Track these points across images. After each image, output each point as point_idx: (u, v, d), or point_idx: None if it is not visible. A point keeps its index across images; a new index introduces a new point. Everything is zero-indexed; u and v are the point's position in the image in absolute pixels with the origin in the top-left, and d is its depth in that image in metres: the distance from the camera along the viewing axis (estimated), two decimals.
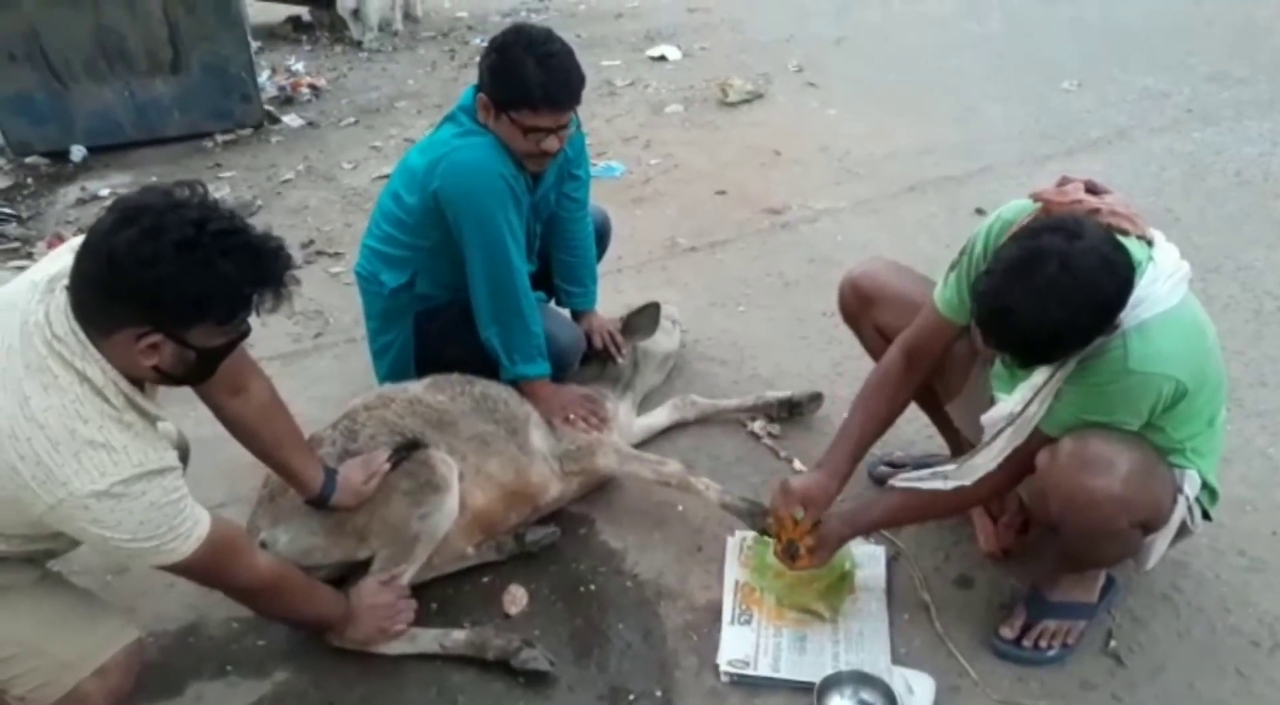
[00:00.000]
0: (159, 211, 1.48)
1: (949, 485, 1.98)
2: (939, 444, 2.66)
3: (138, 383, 1.63)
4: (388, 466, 2.18)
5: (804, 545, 2.07)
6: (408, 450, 2.23)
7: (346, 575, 2.20)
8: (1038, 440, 1.86)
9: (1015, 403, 1.88)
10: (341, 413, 2.38)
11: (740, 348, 3.24)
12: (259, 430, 2.04)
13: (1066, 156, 4.57)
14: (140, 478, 1.56)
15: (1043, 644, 2.03)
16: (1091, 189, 1.89)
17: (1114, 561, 1.99)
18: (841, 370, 3.06)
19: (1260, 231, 3.76)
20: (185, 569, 1.73)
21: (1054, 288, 1.58)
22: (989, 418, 1.94)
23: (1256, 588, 2.18)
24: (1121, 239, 1.73)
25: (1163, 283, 1.73)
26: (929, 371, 2.16)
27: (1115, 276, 1.62)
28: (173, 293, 1.49)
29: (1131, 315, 1.70)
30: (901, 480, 2.10)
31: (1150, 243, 1.80)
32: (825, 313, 3.36)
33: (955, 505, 2.05)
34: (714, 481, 2.39)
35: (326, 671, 2.10)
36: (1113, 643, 2.06)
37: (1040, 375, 1.83)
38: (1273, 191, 4.08)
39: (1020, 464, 1.90)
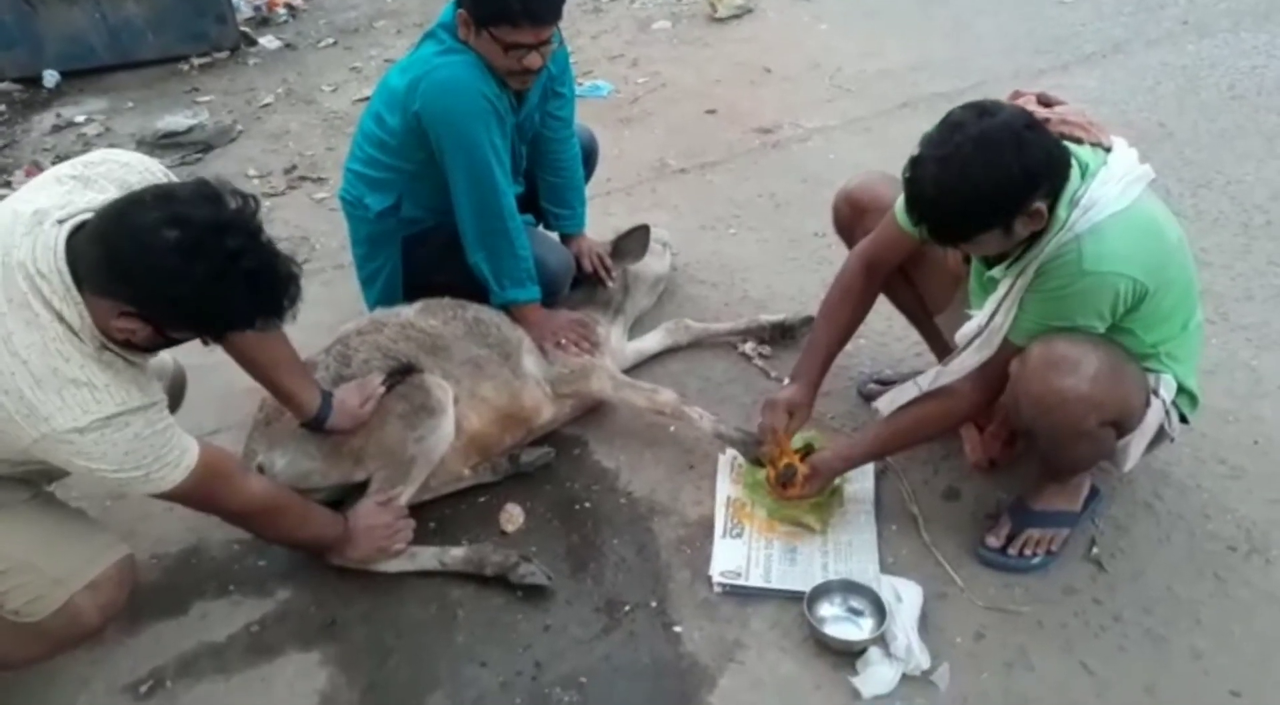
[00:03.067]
0: (203, 229, 1.46)
1: (923, 387, 2.02)
2: (927, 361, 2.68)
3: None
4: (383, 390, 2.20)
5: (800, 471, 2.11)
6: (402, 375, 2.25)
7: (344, 498, 2.23)
8: (1008, 351, 1.89)
9: (983, 315, 1.91)
10: (334, 338, 2.38)
11: (731, 270, 3.24)
12: (256, 353, 2.04)
13: (1061, 70, 4.51)
14: (122, 414, 1.58)
15: (1027, 552, 2.08)
16: (1045, 101, 1.90)
17: (1089, 463, 2.03)
18: None
19: (1251, 146, 3.74)
20: (178, 496, 1.76)
21: (958, 159, 1.64)
22: (962, 333, 1.98)
23: (1235, 495, 2.22)
24: (1073, 146, 1.76)
25: (1115, 184, 1.75)
26: (887, 279, 2.24)
27: (1024, 153, 1.64)
28: (183, 307, 1.52)
29: (1084, 219, 1.73)
30: (881, 400, 2.13)
31: (1108, 149, 1.81)
32: (817, 233, 3.36)
33: (941, 425, 2.09)
34: (706, 409, 2.41)
35: (327, 589, 2.14)
36: (1095, 549, 2.11)
37: (1003, 286, 1.86)
38: (1265, 105, 4.05)
39: (996, 376, 1.94)
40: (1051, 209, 1.73)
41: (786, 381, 2.32)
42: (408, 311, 2.45)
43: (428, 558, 2.16)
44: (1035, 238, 1.78)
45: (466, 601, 2.10)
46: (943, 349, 2.39)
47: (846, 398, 2.62)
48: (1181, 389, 1.95)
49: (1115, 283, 1.74)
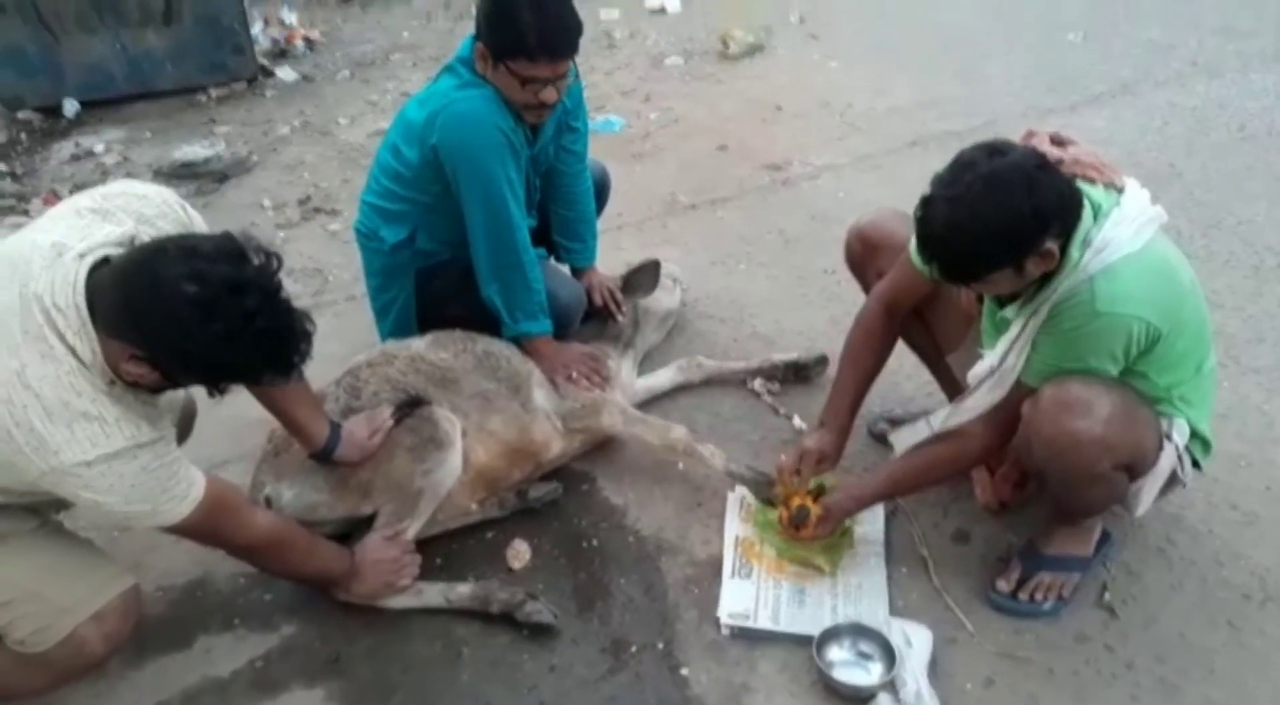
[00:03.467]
0: (221, 287, 1.48)
1: (935, 427, 2.03)
2: (939, 400, 2.67)
3: None
4: (391, 423, 2.20)
5: (813, 512, 2.10)
6: (411, 407, 2.25)
7: (351, 531, 2.23)
8: (1020, 392, 1.89)
9: (995, 356, 1.91)
10: (344, 369, 2.39)
11: (740, 306, 3.24)
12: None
13: (1069, 111, 4.54)
14: (130, 449, 1.58)
15: (1038, 597, 2.06)
16: (1057, 141, 1.91)
17: (1101, 507, 2.00)
18: (842, 327, 2.98)
19: (1263, 186, 3.75)
20: (184, 530, 1.76)
21: (968, 198, 1.64)
22: (974, 373, 1.98)
23: (1249, 541, 2.20)
24: (1086, 186, 1.77)
25: (1127, 226, 1.75)
26: (906, 321, 2.26)
27: (1035, 193, 1.65)
28: (193, 361, 1.54)
29: (1097, 260, 1.73)
30: (892, 436, 2.13)
31: (1120, 190, 1.81)
32: (826, 270, 3.37)
33: (953, 466, 2.08)
34: (717, 445, 2.40)
35: (333, 625, 2.13)
36: (1107, 595, 2.09)
37: (1015, 326, 1.87)
38: (1276, 146, 4.06)
39: (1008, 418, 1.93)
40: (1064, 249, 1.73)
41: (813, 425, 2.29)
42: (418, 344, 2.46)
43: (434, 594, 2.15)
44: (1047, 278, 1.78)
45: (472, 639, 2.09)
46: (953, 388, 2.38)
47: (856, 436, 2.58)
48: (1194, 434, 1.94)
49: (1129, 324, 1.73)
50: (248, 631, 2.14)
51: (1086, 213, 1.75)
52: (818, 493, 2.18)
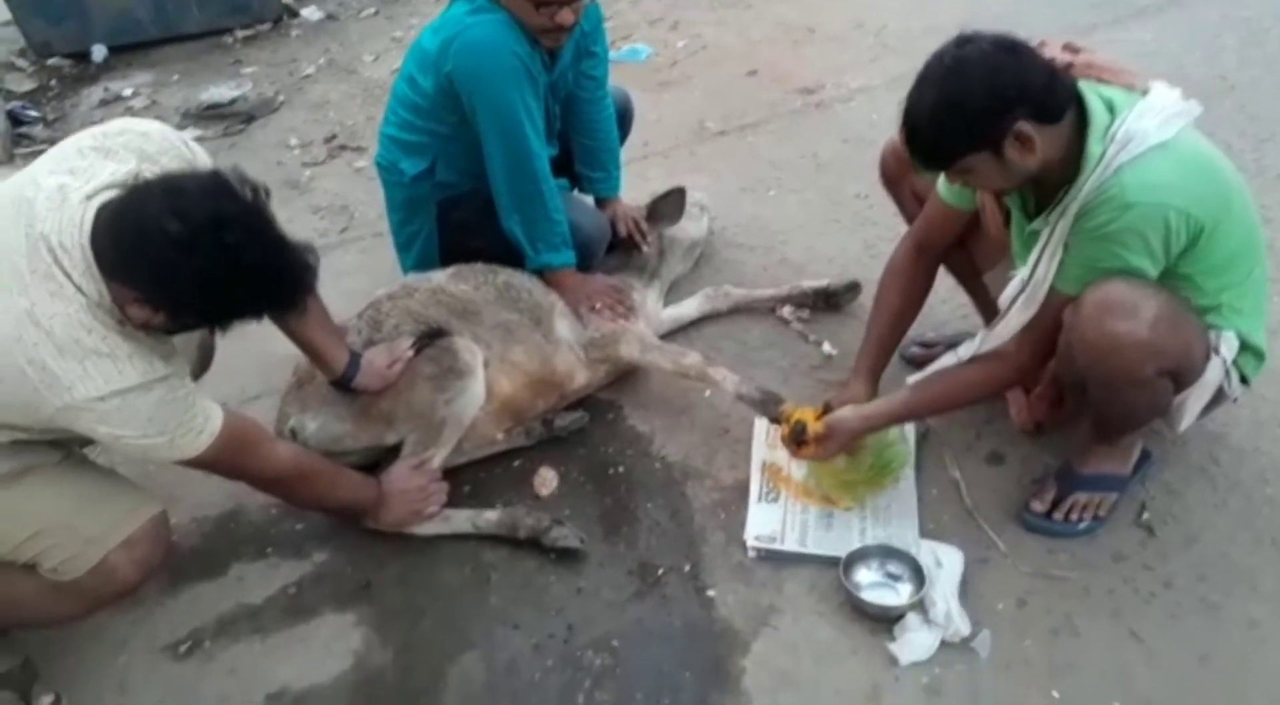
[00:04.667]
0: (202, 223, 1.45)
1: (962, 357, 1.95)
2: (974, 323, 2.61)
3: None
4: (411, 353, 2.19)
5: (812, 431, 2.04)
6: (431, 338, 2.23)
7: (380, 462, 2.23)
8: (1055, 303, 1.82)
9: (1026, 270, 1.84)
10: (367, 303, 2.37)
11: (771, 233, 3.17)
12: None
13: (1114, 24, 4.33)
14: (143, 386, 1.58)
15: (1073, 517, 2.01)
16: (1071, 48, 1.83)
17: (1144, 418, 1.92)
18: (875, 252, 2.99)
19: None
20: (204, 463, 1.77)
21: (931, 81, 1.66)
22: (1005, 295, 1.91)
23: None
24: (1100, 87, 1.72)
25: (1153, 117, 1.67)
26: (940, 260, 2.20)
27: (996, 74, 1.63)
28: (183, 300, 1.52)
29: (1123, 153, 1.66)
30: (910, 378, 2.08)
31: (1143, 93, 1.73)
32: (859, 194, 3.28)
33: (982, 389, 2.01)
34: (736, 370, 2.36)
35: (363, 552, 2.15)
36: (1146, 514, 2.03)
37: (1044, 235, 1.80)
38: None
39: (1044, 335, 1.86)
40: (1081, 146, 1.67)
41: (843, 381, 2.22)
42: (439, 277, 2.44)
43: (461, 521, 2.16)
44: (1070, 180, 1.71)
45: (500, 564, 2.09)
46: (989, 309, 2.31)
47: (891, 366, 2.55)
48: (1245, 346, 1.85)
49: (1164, 214, 1.65)
50: (280, 560, 2.17)
51: (1099, 107, 1.67)
52: (826, 411, 2.10)
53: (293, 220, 3.53)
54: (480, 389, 2.23)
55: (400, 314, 2.30)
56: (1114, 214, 1.66)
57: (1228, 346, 1.83)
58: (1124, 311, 1.68)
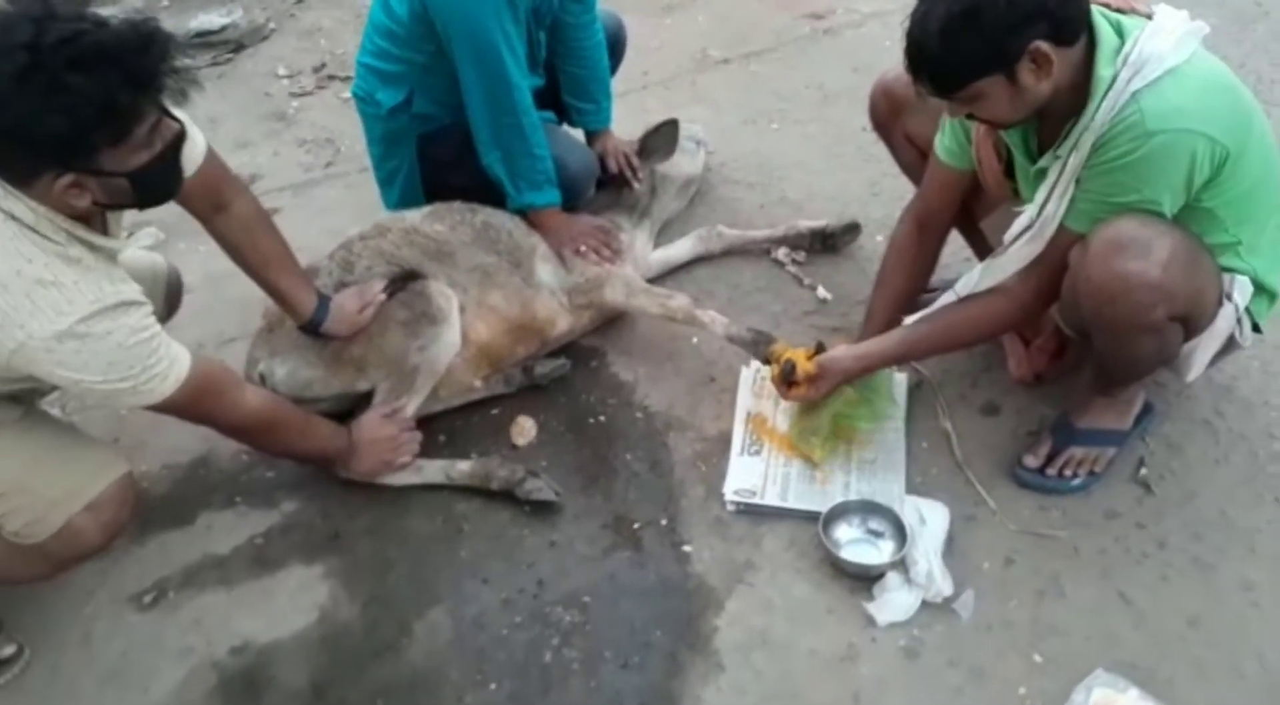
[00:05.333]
0: (12, 45, 1.32)
1: (961, 294, 1.85)
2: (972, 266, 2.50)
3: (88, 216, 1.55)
4: (383, 297, 2.11)
5: (803, 370, 1.95)
6: (404, 281, 2.15)
7: (354, 409, 2.17)
8: (1063, 240, 1.71)
9: (1033, 207, 1.72)
10: (337, 244, 2.29)
11: (769, 169, 3.04)
12: (244, 248, 1.97)
13: None
14: (100, 314, 1.50)
15: (1067, 473, 1.93)
16: None
17: (1151, 366, 1.82)
18: (878, 190, 2.86)
19: None
20: (171, 409, 1.70)
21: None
22: (1010, 232, 1.79)
23: None
24: (1103, 12, 1.59)
25: (1165, 37, 1.55)
26: (946, 233, 2.10)
27: None
28: (40, 130, 1.37)
29: (1137, 78, 1.53)
30: (908, 319, 1.97)
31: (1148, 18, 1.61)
32: (865, 127, 3.05)
33: (981, 329, 1.91)
34: (727, 313, 2.26)
35: (333, 502, 2.10)
36: (1143, 470, 1.95)
37: (1054, 170, 1.68)
38: None
39: (1049, 274, 1.76)
40: (1089, 71, 1.55)
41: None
42: (414, 216, 2.34)
43: (434, 471, 2.10)
44: (1078, 111, 1.58)
45: (472, 516, 2.04)
46: (987, 254, 2.20)
47: None
48: (1260, 288, 1.74)
49: (1190, 143, 1.52)
50: (249, 509, 2.12)
51: (1108, 30, 1.54)
52: (818, 352, 2.01)
53: (278, 154, 3.42)
54: (455, 335, 2.15)
55: (372, 255, 2.21)
56: (1134, 143, 1.54)
57: (1241, 292, 1.72)
58: (1135, 250, 1.57)
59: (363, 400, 2.16)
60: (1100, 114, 1.56)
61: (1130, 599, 1.73)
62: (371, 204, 2.89)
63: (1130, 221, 1.59)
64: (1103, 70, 1.54)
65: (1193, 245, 1.63)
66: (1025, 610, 1.74)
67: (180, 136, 1.57)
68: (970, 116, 1.66)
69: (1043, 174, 1.71)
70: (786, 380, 1.97)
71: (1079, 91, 1.58)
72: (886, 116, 2.19)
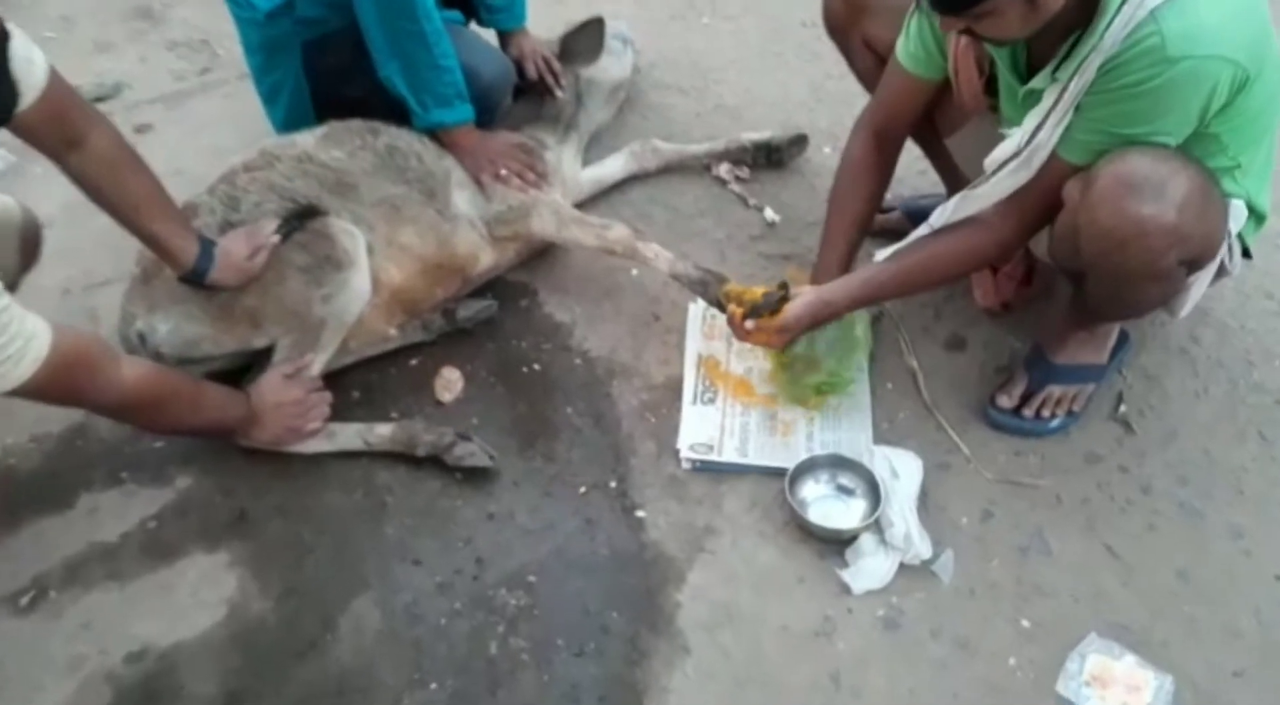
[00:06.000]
0: None
1: (935, 225, 1.67)
2: (930, 181, 2.31)
3: None
4: (277, 239, 1.82)
5: (767, 319, 1.74)
6: (301, 219, 1.86)
7: (252, 364, 1.90)
8: (1055, 172, 1.53)
9: (1022, 133, 1.52)
10: (218, 176, 1.97)
11: (703, 71, 2.77)
12: (106, 189, 1.66)
13: None
14: None
15: (1045, 413, 1.80)
16: None
17: (1149, 309, 1.69)
18: (822, 95, 2.63)
19: None
20: (31, 393, 1.45)
21: None
22: (992, 158, 1.59)
23: None
24: None
25: None
26: (902, 144, 1.89)
27: None
28: None
29: None
30: (880, 252, 1.77)
31: None
32: (804, 22, 2.89)
33: (959, 264, 1.73)
34: (667, 242, 2.05)
35: (235, 475, 1.85)
36: (1123, 407, 1.83)
37: (1051, 94, 1.48)
38: None
39: (1036, 206, 1.58)
40: None
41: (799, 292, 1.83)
42: (306, 141, 2.02)
43: (350, 436, 1.86)
44: (1084, 26, 1.38)
45: (397, 487, 1.82)
46: (951, 174, 2.02)
47: None
48: (1250, 211, 1.59)
49: (1215, 71, 1.34)
50: (137, 487, 1.85)
51: None
52: (781, 289, 1.77)
53: (145, 60, 2.99)
54: (364, 280, 1.88)
55: (261, 189, 1.90)
56: (1154, 69, 1.34)
57: (1235, 218, 1.57)
58: (1149, 191, 1.39)
59: (261, 355, 1.89)
60: (1112, 32, 1.35)
61: (1117, 552, 1.63)
62: (258, 118, 2.52)
63: (1141, 158, 1.41)
64: None
65: (1206, 180, 1.45)
66: (1009, 570, 1.62)
67: None
68: (967, 32, 1.43)
69: (1034, 96, 1.51)
70: (757, 313, 1.74)
71: (1087, 3, 1.36)
72: (844, 19, 1.95)
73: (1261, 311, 1.97)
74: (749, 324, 1.75)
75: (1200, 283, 1.60)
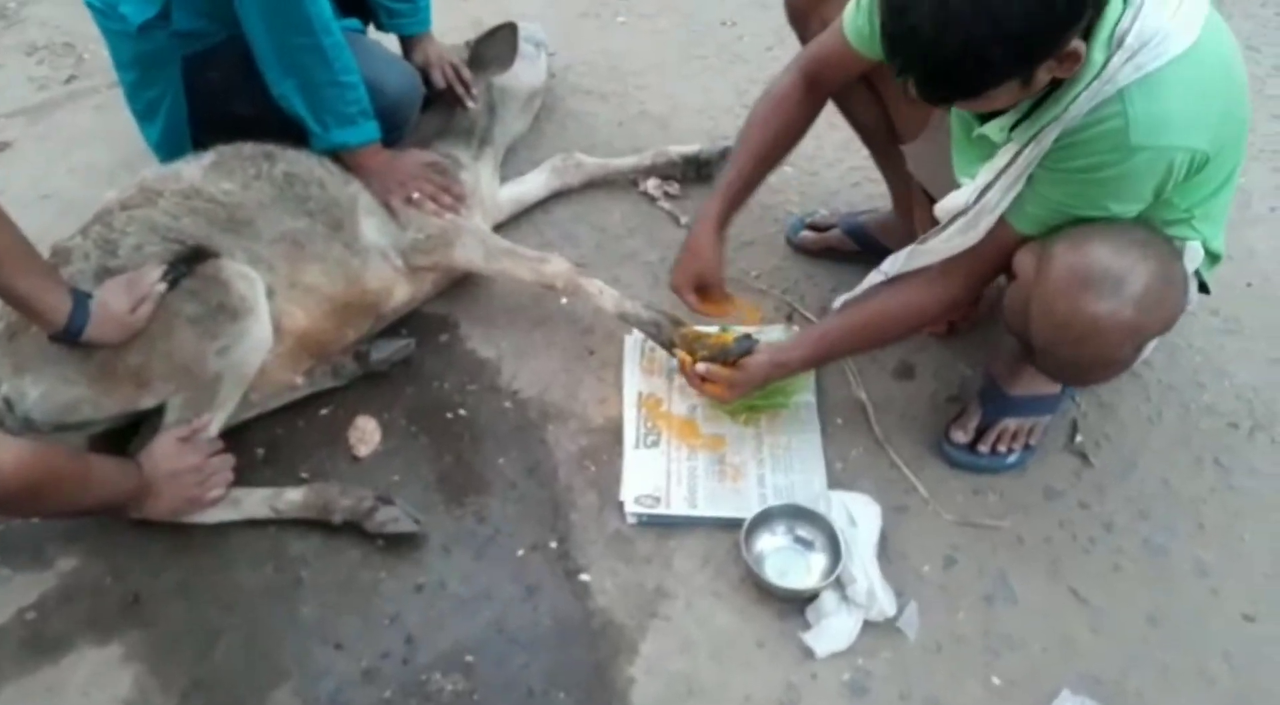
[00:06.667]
0: None
1: (889, 273, 1.58)
2: (865, 194, 2.24)
3: None
4: (163, 287, 1.62)
5: (724, 370, 1.65)
6: (189, 263, 1.66)
7: (139, 423, 1.70)
8: (1004, 238, 1.46)
9: (971, 190, 1.44)
10: (93, 215, 1.75)
11: (623, 74, 2.63)
12: None
13: None
14: None
15: (1001, 447, 1.72)
16: None
17: (1100, 382, 1.65)
18: (747, 100, 2.45)
19: None
20: None
21: None
22: (942, 207, 1.51)
23: (1232, 355, 1.89)
24: None
25: (1172, 10, 1.24)
26: (824, 102, 1.75)
27: None
28: None
29: (1131, 66, 1.23)
30: (837, 302, 1.68)
31: None
32: (724, 21, 2.78)
33: (906, 323, 1.64)
34: (606, 269, 1.95)
35: (127, 553, 1.65)
36: (1078, 438, 1.77)
37: (1004, 154, 1.39)
38: None
39: (983, 269, 1.54)
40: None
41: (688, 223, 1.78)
42: (192, 171, 1.81)
43: (257, 503, 1.67)
44: (1047, 94, 1.29)
45: (312, 559, 1.64)
46: (901, 187, 1.92)
47: (773, 247, 2.14)
48: (1207, 252, 1.53)
49: (1171, 157, 1.27)
50: (12, 571, 1.64)
51: None
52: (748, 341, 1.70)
53: (3, 66, 2.71)
54: (264, 328, 1.69)
55: (142, 230, 1.69)
56: (1113, 156, 1.27)
57: (1191, 259, 1.50)
58: (1108, 287, 1.32)
59: (151, 414, 1.69)
60: (1077, 105, 1.26)
61: (1084, 596, 1.56)
62: (132, 132, 2.29)
63: (1101, 248, 1.32)
64: (1095, 53, 1.22)
65: (1166, 261, 1.38)
66: (975, 621, 1.54)
67: None
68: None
69: (985, 143, 1.41)
70: (727, 359, 1.67)
71: None
72: (804, 8, 1.81)
73: (1208, 328, 1.93)
74: (700, 368, 1.64)
75: (1153, 343, 1.54)
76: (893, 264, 1.59)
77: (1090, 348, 1.38)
